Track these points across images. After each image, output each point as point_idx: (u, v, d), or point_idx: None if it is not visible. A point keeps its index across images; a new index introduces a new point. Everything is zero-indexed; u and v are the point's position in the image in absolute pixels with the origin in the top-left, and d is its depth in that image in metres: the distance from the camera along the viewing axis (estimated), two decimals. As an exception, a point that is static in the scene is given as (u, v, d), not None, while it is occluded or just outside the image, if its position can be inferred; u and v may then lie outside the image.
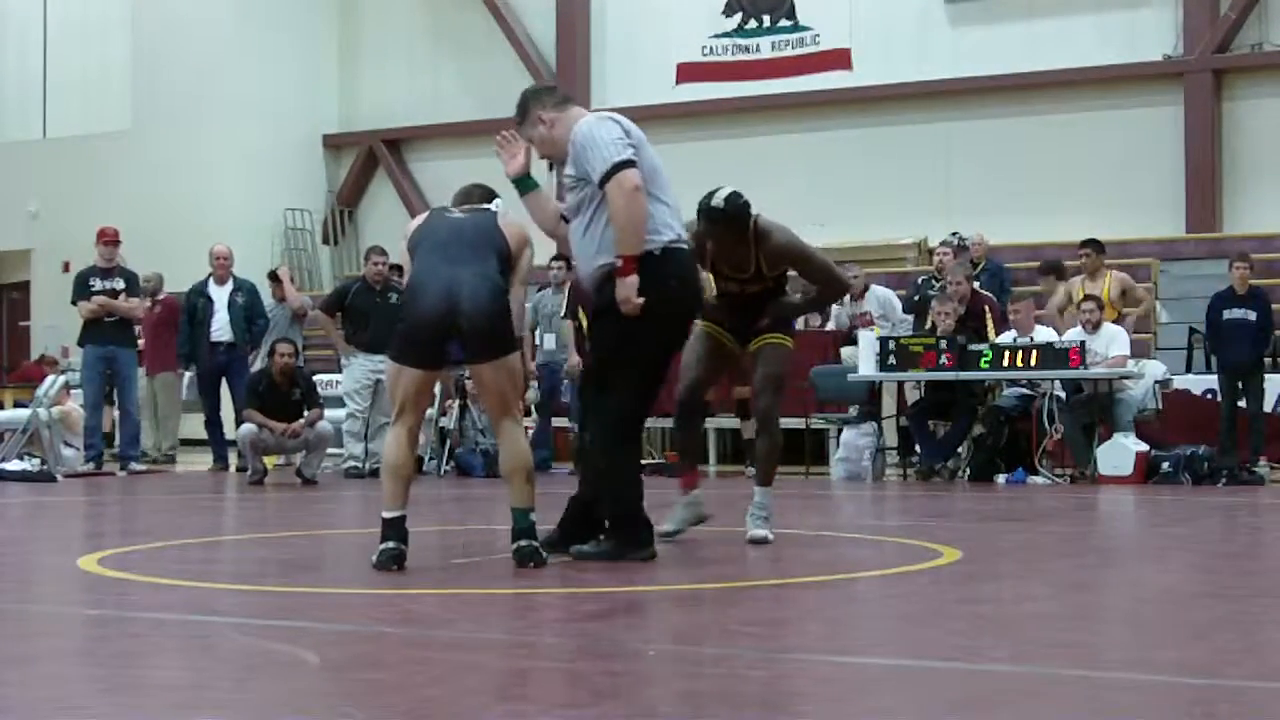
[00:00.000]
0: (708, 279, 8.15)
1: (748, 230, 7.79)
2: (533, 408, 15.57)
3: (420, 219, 7.00)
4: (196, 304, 15.95)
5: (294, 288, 17.25)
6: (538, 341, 15.69)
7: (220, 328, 15.79)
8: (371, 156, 25.18)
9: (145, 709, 3.93)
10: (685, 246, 7.06)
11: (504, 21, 23.82)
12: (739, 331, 8.01)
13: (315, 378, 14.98)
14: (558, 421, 16.17)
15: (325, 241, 25.26)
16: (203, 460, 16.09)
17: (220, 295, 15.88)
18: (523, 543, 6.68)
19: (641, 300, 6.71)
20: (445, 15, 24.58)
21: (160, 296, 17.61)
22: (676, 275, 6.92)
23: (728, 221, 7.71)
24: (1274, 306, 15.03)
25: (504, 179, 7.28)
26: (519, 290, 6.90)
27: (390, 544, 6.56)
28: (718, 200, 7.75)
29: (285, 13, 24.61)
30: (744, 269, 7.92)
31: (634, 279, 6.73)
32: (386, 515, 6.62)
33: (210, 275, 16.05)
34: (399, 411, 6.75)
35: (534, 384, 15.51)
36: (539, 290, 16.17)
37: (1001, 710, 3.89)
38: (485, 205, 7.02)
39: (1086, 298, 14.17)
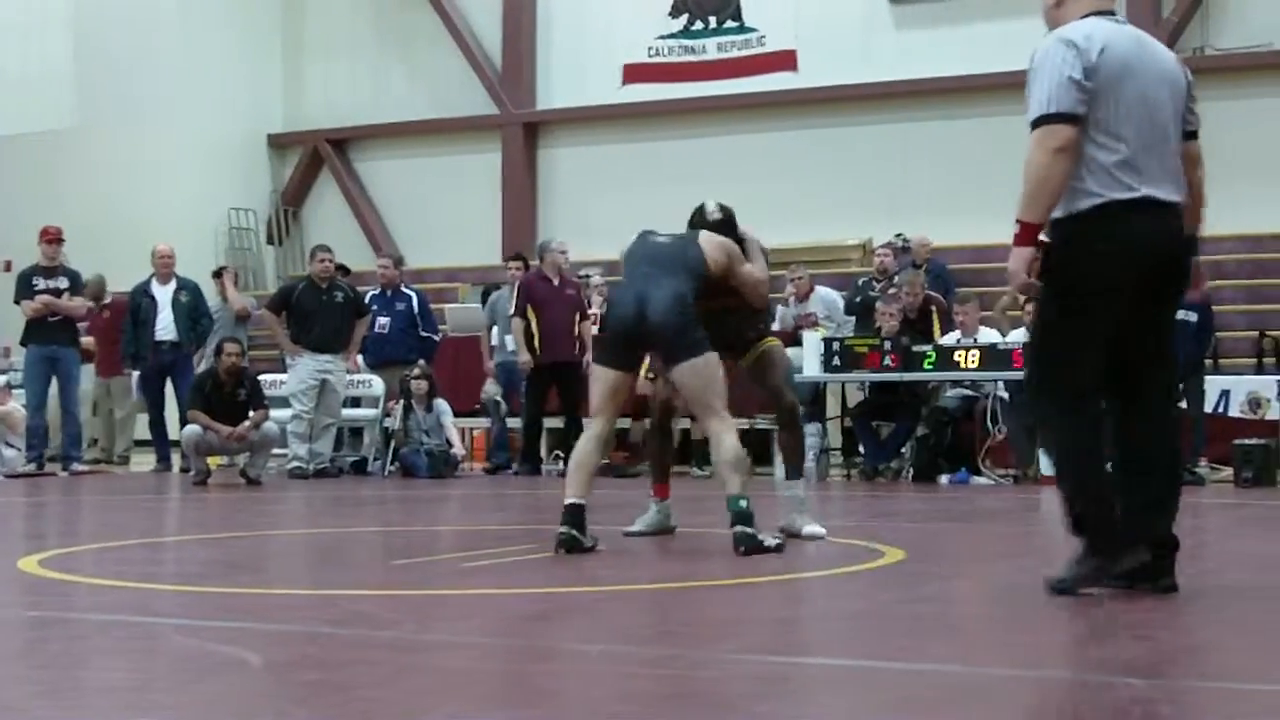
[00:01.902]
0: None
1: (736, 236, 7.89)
2: (490, 407, 15.55)
3: (630, 242, 7.66)
4: (140, 303, 15.81)
5: (235, 290, 17.15)
6: (494, 341, 15.65)
7: (164, 327, 15.64)
8: (316, 156, 25.06)
9: (87, 711, 3.90)
10: (1145, 200, 5.65)
11: (450, 21, 23.75)
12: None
13: (260, 378, 14.89)
14: (511, 421, 16.12)
15: (269, 241, 25.13)
16: (151, 461, 15.98)
17: (164, 294, 15.75)
18: (735, 528, 7.11)
19: (1024, 280, 5.65)
20: (390, 15, 24.49)
21: (106, 301, 17.49)
22: (1104, 237, 5.66)
23: (725, 228, 7.78)
24: (1214, 308, 15.14)
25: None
26: (757, 267, 7.71)
27: (563, 529, 7.07)
28: (712, 210, 7.87)
29: (230, 11, 24.44)
30: None
31: (1027, 251, 5.63)
32: (566, 502, 7.16)
33: (153, 274, 15.94)
34: (594, 412, 7.45)
35: (490, 381, 15.51)
36: (497, 290, 16.14)
37: (944, 710, 3.91)
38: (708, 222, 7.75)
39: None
